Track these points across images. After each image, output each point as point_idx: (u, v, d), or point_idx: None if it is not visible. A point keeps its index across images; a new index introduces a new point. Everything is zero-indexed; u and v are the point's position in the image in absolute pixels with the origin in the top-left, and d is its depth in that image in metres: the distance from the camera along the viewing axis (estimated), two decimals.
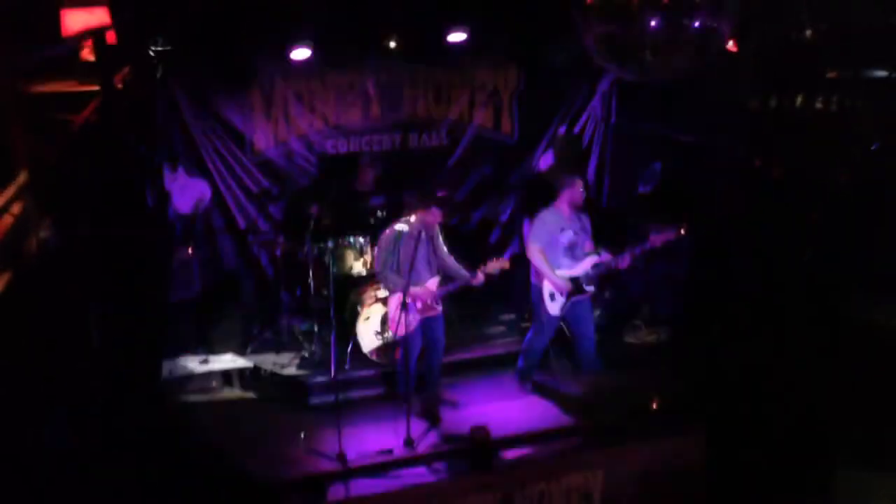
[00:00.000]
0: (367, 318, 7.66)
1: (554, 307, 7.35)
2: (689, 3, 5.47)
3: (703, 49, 5.69)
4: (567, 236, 7.28)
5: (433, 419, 7.18)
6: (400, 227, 7.10)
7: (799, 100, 7.78)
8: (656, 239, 7.16)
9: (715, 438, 6.82)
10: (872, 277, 7.36)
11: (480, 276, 7.02)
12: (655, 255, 7.45)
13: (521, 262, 7.66)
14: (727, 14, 5.58)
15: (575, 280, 7.30)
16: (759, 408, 6.88)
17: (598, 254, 7.28)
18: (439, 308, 7.19)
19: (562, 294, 7.30)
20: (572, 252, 7.30)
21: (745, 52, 7.87)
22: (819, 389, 6.80)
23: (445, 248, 7.24)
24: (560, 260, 7.29)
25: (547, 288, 7.31)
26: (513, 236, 9.66)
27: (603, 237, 7.50)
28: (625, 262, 7.21)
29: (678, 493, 6.74)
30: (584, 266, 7.29)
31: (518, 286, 8.12)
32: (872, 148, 7.53)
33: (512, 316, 8.87)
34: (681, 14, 5.48)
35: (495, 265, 6.97)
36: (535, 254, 7.28)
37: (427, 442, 6.91)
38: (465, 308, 8.46)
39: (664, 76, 6.15)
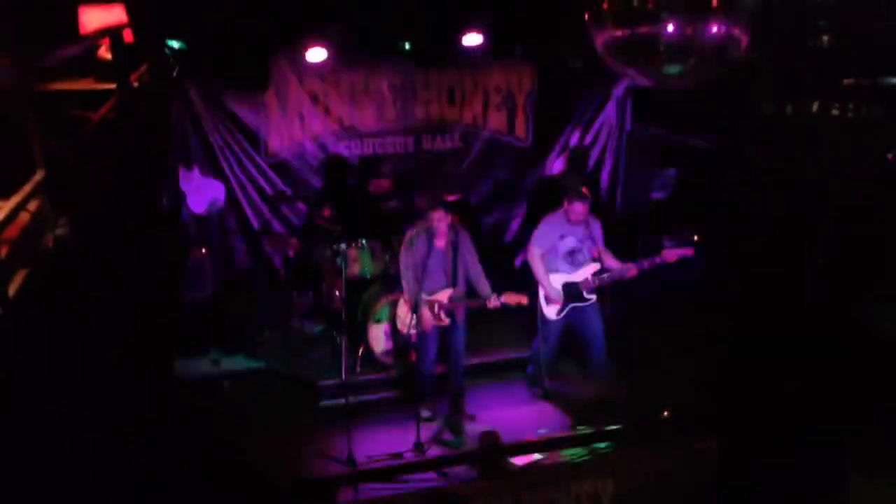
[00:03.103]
0: (379, 319, 7.66)
1: (550, 311, 7.33)
2: (705, 8, 5.44)
3: (718, 55, 5.65)
4: (568, 242, 7.25)
5: (455, 431, 7.15)
6: (418, 229, 7.07)
7: (815, 107, 7.74)
8: (670, 255, 7.08)
9: (726, 446, 6.78)
10: (887, 286, 7.30)
11: (496, 301, 6.88)
12: (668, 264, 7.37)
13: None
14: (744, 20, 5.55)
15: (573, 287, 7.26)
16: (771, 415, 6.83)
17: (601, 261, 7.23)
18: (447, 321, 7.06)
19: (550, 301, 7.28)
20: (573, 258, 7.27)
21: (762, 59, 7.83)
22: (833, 398, 6.75)
23: (476, 260, 7.09)
24: (558, 264, 7.27)
25: (542, 292, 7.31)
26: (524, 241, 9.66)
27: (615, 245, 7.46)
28: (632, 272, 7.13)
29: (689, 500, 6.70)
30: (583, 273, 7.25)
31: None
32: (889, 156, 7.48)
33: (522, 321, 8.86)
34: (697, 20, 5.45)
35: (513, 298, 6.83)
36: (534, 258, 7.26)
37: (437, 446, 6.90)
38: (476, 312, 8.45)
39: (679, 82, 6.11)
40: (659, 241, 7.60)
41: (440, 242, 6.94)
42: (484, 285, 7.00)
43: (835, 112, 7.79)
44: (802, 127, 7.99)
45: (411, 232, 7.09)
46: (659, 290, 8.63)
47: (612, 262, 7.21)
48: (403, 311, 7.25)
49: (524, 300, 6.86)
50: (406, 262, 7.05)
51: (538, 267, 7.24)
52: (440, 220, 6.87)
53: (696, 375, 7.59)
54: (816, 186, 7.81)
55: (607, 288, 7.57)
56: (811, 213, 7.80)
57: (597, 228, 7.32)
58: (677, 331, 8.31)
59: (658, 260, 7.08)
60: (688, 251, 7.07)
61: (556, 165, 9.86)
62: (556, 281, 7.26)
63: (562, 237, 7.24)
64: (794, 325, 7.41)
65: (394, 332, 7.58)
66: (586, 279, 7.23)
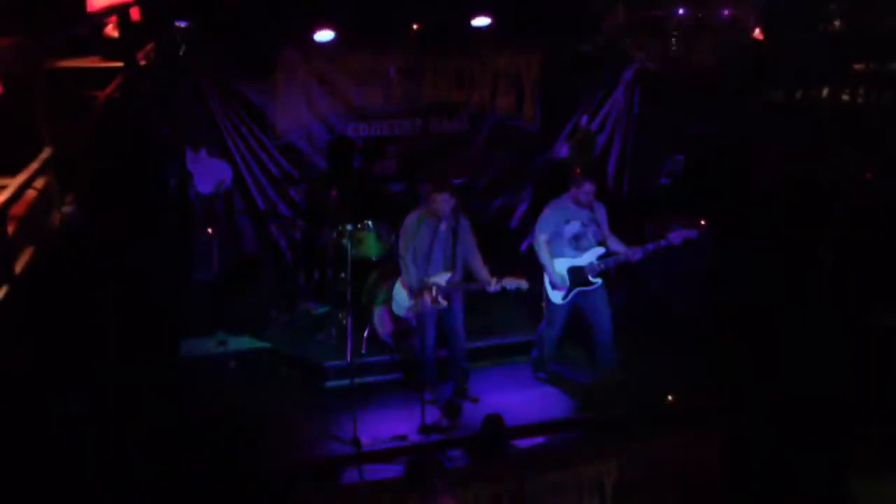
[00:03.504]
0: (383, 301, 7.66)
1: (556, 296, 7.32)
2: None
3: (727, 39, 5.63)
4: (573, 227, 7.23)
5: (453, 412, 7.16)
6: (420, 213, 7.06)
7: (825, 92, 7.69)
8: (676, 237, 7.05)
9: (731, 435, 6.79)
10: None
11: (492, 286, 6.85)
12: (674, 249, 7.35)
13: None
14: (753, 5, 5.52)
15: (578, 270, 7.25)
16: (776, 407, 6.83)
17: (606, 245, 7.22)
18: (445, 303, 7.01)
19: (555, 286, 7.27)
20: (578, 243, 7.25)
21: (771, 44, 7.78)
22: (839, 394, 6.73)
23: (474, 245, 7.08)
24: (564, 249, 7.26)
25: (547, 277, 7.31)
26: (531, 226, 9.66)
27: (622, 229, 7.44)
28: (637, 256, 7.11)
29: (692, 487, 6.72)
30: (588, 257, 7.24)
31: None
32: None
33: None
34: (706, 3, 5.42)
35: (512, 281, 6.80)
36: (540, 243, 7.25)
37: (441, 428, 6.91)
38: (479, 296, 8.45)
39: (688, 66, 6.09)
40: (665, 226, 7.57)
41: (442, 226, 6.93)
42: (482, 270, 6.99)
43: (845, 97, 7.74)
44: (811, 113, 7.95)
45: (412, 216, 7.07)
46: (667, 279, 8.63)
47: (617, 246, 7.19)
48: (400, 293, 7.25)
49: (524, 285, 6.84)
50: (405, 246, 7.04)
51: (543, 252, 7.23)
52: (445, 203, 6.86)
53: (702, 364, 7.60)
54: (826, 175, 7.77)
55: (615, 274, 7.55)
56: (820, 202, 7.77)
57: (602, 212, 7.29)
58: (684, 319, 8.31)
59: (663, 243, 7.05)
60: (692, 233, 7.04)
61: (564, 150, 9.83)
62: (562, 265, 7.25)
63: (567, 222, 7.22)
64: (801, 315, 7.39)
65: (394, 315, 7.58)
66: (591, 263, 7.22)
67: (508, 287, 6.82)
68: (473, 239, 7.09)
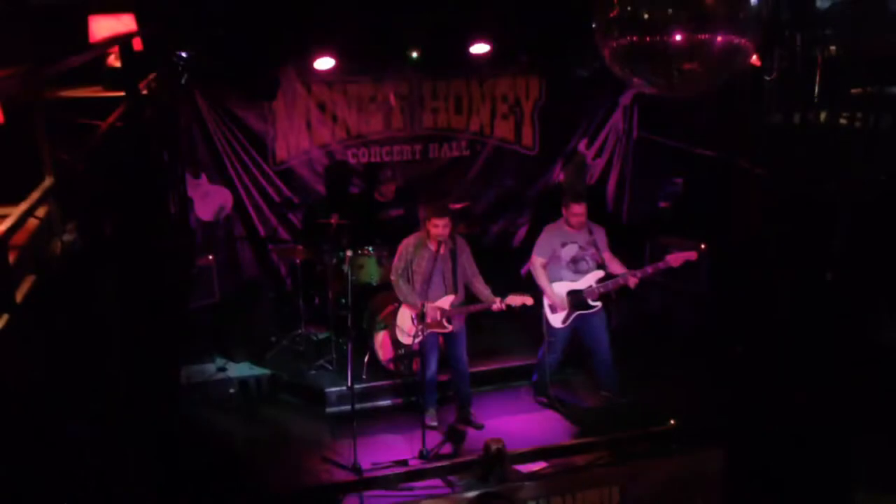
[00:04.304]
0: (384, 327, 7.67)
1: (555, 320, 7.33)
2: (712, 17, 5.44)
3: (726, 64, 5.66)
4: (570, 250, 7.24)
5: (456, 438, 7.13)
6: (418, 237, 7.08)
7: (823, 116, 7.73)
8: (675, 259, 7.06)
9: (734, 457, 6.76)
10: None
11: (496, 305, 6.88)
12: (674, 272, 7.36)
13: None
14: (751, 29, 5.55)
15: (577, 294, 7.26)
16: (779, 427, 6.81)
17: (605, 268, 7.24)
18: (450, 327, 7.06)
19: (555, 310, 7.28)
20: (576, 266, 7.27)
21: (769, 68, 7.83)
22: (841, 411, 6.72)
23: (474, 266, 7.12)
24: (562, 273, 7.27)
25: (546, 300, 7.31)
26: (531, 250, 9.67)
27: (621, 252, 7.45)
28: (636, 278, 7.11)
29: None
30: (587, 280, 7.25)
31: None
32: None
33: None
34: (704, 29, 5.45)
35: (517, 299, 6.83)
36: (537, 267, 7.27)
37: (442, 454, 6.90)
38: (480, 319, 8.45)
39: (687, 91, 6.12)
40: (665, 248, 7.58)
41: (441, 249, 6.95)
42: (485, 290, 7.02)
43: (843, 121, 7.77)
44: (811, 137, 7.97)
45: (409, 240, 7.09)
46: (667, 301, 8.64)
47: (617, 268, 7.20)
48: (402, 319, 7.25)
49: (529, 301, 6.86)
50: (398, 270, 7.06)
51: (541, 276, 7.25)
52: (444, 228, 6.88)
53: (703, 386, 7.58)
54: (825, 197, 7.78)
55: (614, 297, 7.55)
56: (820, 224, 7.77)
57: (600, 235, 7.31)
58: (685, 341, 8.31)
59: (662, 265, 7.06)
60: (691, 255, 7.05)
61: (559, 174, 9.89)
62: (560, 289, 7.26)
63: (563, 245, 7.24)
64: (802, 336, 7.38)
65: (395, 340, 7.58)
66: (590, 286, 7.23)
67: (513, 304, 6.83)
68: (473, 260, 7.11)
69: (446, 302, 7.00)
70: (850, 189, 7.42)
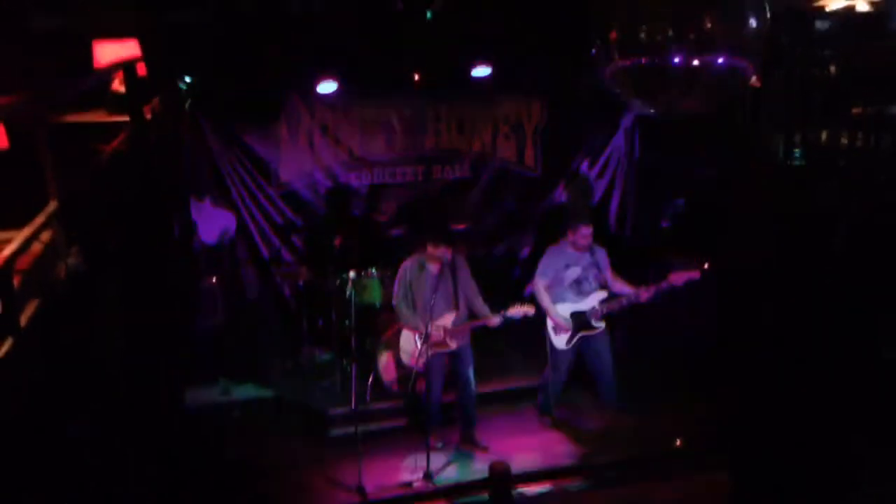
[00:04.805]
0: (388, 348, 7.66)
1: (559, 341, 7.32)
2: (711, 39, 5.48)
3: (726, 86, 5.69)
4: (573, 272, 7.25)
5: (460, 459, 7.10)
6: (418, 259, 7.10)
7: (823, 136, 7.76)
8: (678, 279, 7.07)
9: (739, 478, 6.72)
10: None
11: (497, 320, 6.87)
12: (677, 291, 7.36)
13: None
14: (751, 51, 5.58)
15: (580, 315, 7.26)
16: (785, 447, 6.78)
17: (608, 289, 7.24)
18: (454, 345, 7.06)
19: (558, 331, 7.28)
20: (579, 287, 7.27)
21: (769, 89, 7.87)
22: (848, 433, 6.68)
23: (473, 284, 7.13)
24: (565, 295, 7.27)
25: (550, 322, 7.31)
26: (534, 271, 9.68)
27: (624, 273, 7.46)
28: (640, 298, 7.11)
29: None
30: (590, 301, 7.25)
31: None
32: None
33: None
34: (703, 50, 5.48)
35: (519, 310, 6.84)
36: (540, 289, 7.27)
37: (447, 476, 6.87)
38: (485, 340, 8.45)
39: (686, 113, 6.15)
40: (668, 268, 7.59)
41: (443, 269, 6.96)
42: (482, 306, 7.03)
43: (843, 141, 7.80)
44: (810, 157, 8.00)
45: (410, 263, 7.11)
46: (671, 321, 8.61)
47: (621, 289, 7.21)
48: (405, 341, 7.25)
49: (531, 311, 6.86)
50: (401, 293, 7.07)
51: (544, 298, 7.25)
52: (445, 251, 6.91)
53: (708, 407, 7.55)
54: (826, 218, 7.80)
55: (619, 318, 7.55)
56: (821, 244, 7.78)
57: (602, 256, 7.32)
58: (689, 362, 8.29)
59: (665, 285, 7.07)
60: (694, 274, 7.05)
61: (561, 195, 9.91)
62: (564, 310, 7.26)
63: (566, 266, 7.25)
64: (807, 358, 7.37)
65: (399, 362, 7.57)
66: (594, 307, 7.23)
67: (515, 316, 6.83)
68: (471, 276, 7.13)
69: (448, 319, 7.00)
70: (851, 209, 7.44)
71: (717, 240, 8.41)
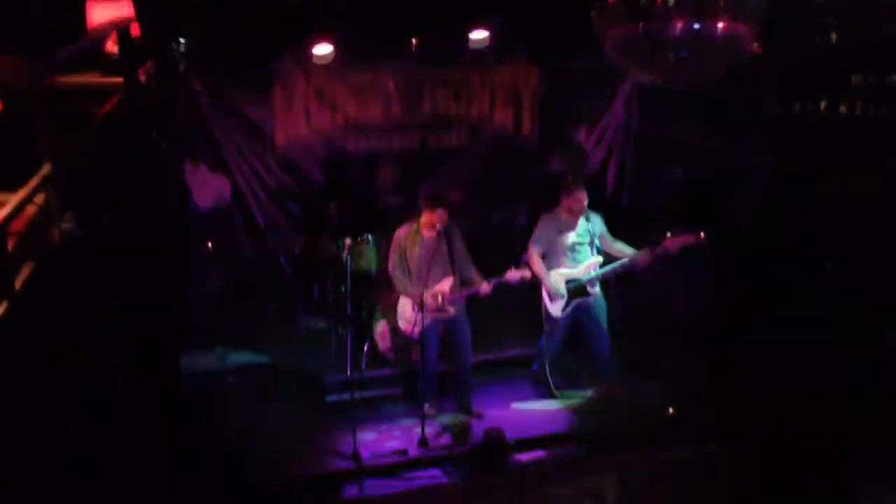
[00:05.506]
0: (383, 316, 7.66)
1: (554, 308, 7.34)
2: (712, 6, 5.43)
3: (725, 53, 5.64)
4: (568, 238, 7.26)
5: (456, 428, 7.13)
6: (410, 227, 7.08)
7: (823, 105, 7.71)
8: (672, 244, 7.07)
9: (733, 448, 6.76)
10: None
11: (486, 287, 6.92)
12: (673, 261, 7.35)
13: None
14: (751, 18, 5.53)
15: (576, 282, 7.27)
16: (779, 419, 6.81)
17: (602, 255, 7.24)
18: (452, 311, 7.10)
19: (553, 299, 7.28)
20: (574, 254, 7.28)
21: (769, 57, 7.80)
22: (841, 413, 6.70)
23: (464, 248, 7.16)
24: (560, 261, 7.29)
25: (545, 289, 7.32)
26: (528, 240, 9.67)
27: (620, 240, 7.45)
28: (634, 264, 7.13)
29: (694, 497, 6.69)
30: (586, 268, 7.26)
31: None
32: None
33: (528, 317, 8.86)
34: (704, 17, 5.43)
35: (515, 274, 6.88)
36: (534, 257, 7.28)
37: (441, 443, 6.90)
38: (481, 308, 8.45)
39: (686, 80, 6.10)
40: (662, 237, 7.58)
41: (438, 235, 6.96)
42: (472, 272, 7.06)
43: (843, 110, 7.76)
44: (811, 127, 7.95)
45: (403, 231, 7.09)
46: (666, 290, 8.62)
47: (617, 254, 7.24)
48: (403, 307, 7.25)
49: (528, 274, 6.89)
50: (397, 262, 7.06)
51: (538, 265, 7.25)
52: (441, 217, 6.89)
53: (702, 377, 7.58)
54: (827, 191, 7.76)
55: (614, 282, 7.56)
56: (822, 218, 7.76)
57: (597, 221, 7.33)
58: (684, 331, 8.30)
59: (659, 250, 7.08)
60: (689, 239, 7.05)
61: (556, 163, 9.86)
62: (558, 277, 7.27)
63: (560, 233, 7.26)
64: (802, 332, 7.37)
65: (394, 330, 7.58)
66: (588, 273, 7.24)
67: (512, 279, 6.83)
68: (463, 241, 7.14)
69: (446, 284, 7.01)
70: (854, 183, 7.39)
71: (715, 210, 8.39)
